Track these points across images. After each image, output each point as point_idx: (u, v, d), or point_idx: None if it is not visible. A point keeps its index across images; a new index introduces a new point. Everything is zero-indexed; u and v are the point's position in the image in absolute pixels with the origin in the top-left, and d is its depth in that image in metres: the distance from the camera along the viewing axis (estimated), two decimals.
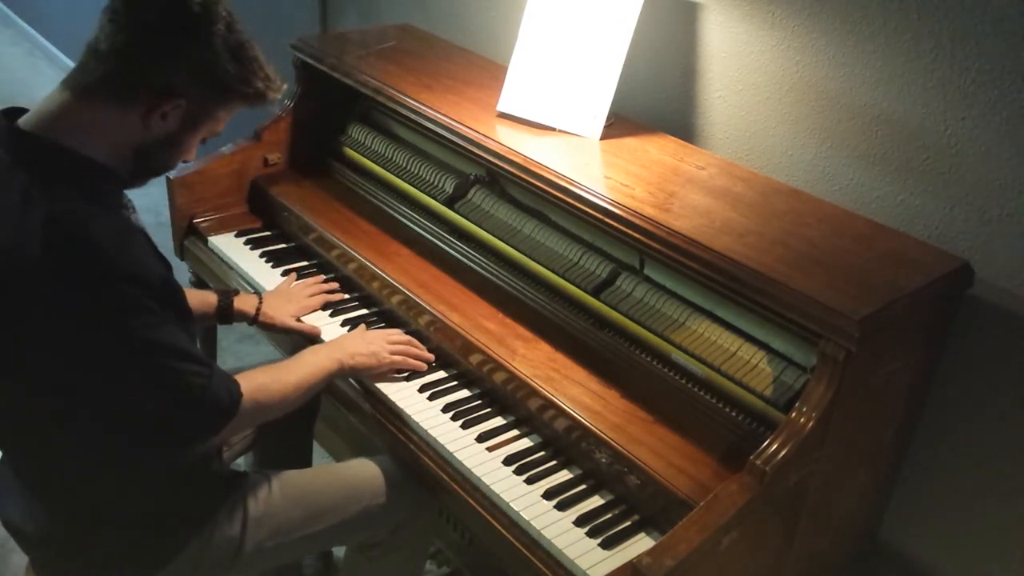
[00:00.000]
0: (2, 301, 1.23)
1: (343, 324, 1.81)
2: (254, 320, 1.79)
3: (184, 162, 1.41)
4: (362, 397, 1.66)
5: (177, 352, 1.30)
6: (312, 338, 1.77)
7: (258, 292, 1.87)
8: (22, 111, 1.30)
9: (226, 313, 1.78)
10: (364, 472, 1.63)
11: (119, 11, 1.24)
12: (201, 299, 1.77)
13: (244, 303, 1.79)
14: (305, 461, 2.05)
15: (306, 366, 1.55)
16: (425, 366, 1.68)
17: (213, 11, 1.26)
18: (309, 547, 1.67)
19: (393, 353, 1.66)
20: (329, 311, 1.84)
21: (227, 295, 1.79)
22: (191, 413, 1.35)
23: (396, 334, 1.72)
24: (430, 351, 1.74)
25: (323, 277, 1.94)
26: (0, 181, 1.24)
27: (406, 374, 1.67)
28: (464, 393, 1.65)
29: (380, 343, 1.66)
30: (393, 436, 1.59)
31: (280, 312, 1.79)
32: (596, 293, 1.63)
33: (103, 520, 1.41)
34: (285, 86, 1.40)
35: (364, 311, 1.85)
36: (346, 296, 1.89)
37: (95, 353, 1.25)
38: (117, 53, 1.23)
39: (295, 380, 1.52)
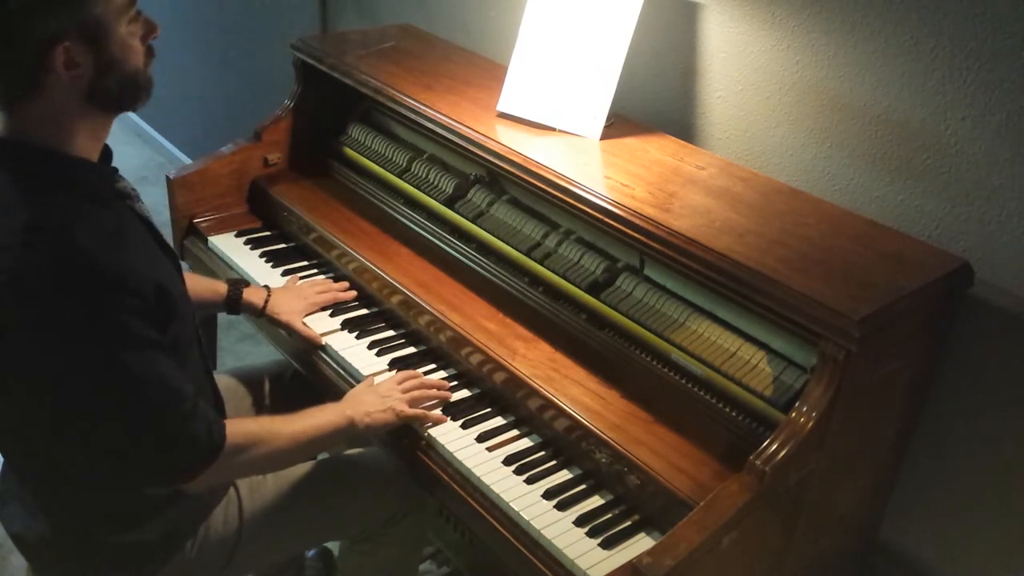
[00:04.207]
0: None
1: (343, 326, 1.80)
2: (261, 313, 1.78)
3: (151, 55, 1.30)
4: None
5: (156, 380, 1.24)
6: (313, 345, 1.75)
7: (267, 287, 1.86)
8: None
9: (234, 303, 1.78)
10: (355, 466, 1.63)
11: None
12: (211, 287, 1.77)
13: (253, 295, 1.79)
14: None
15: (308, 419, 1.47)
16: (447, 418, 1.56)
17: None
18: (303, 543, 1.68)
19: (409, 403, 1.55)
20: (329, 311, 1.84)
21: (237, 285, 1.79)
22: (164, 450, 1.28)
23: (408, 379, 1.60)
24: (430, 350, 1.74)
25: (321, 278, 1.94)
26: None
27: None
28: (464, 393, 1.65)
29: (395, 395, 1.55)
30: (393, 436, 1.60)
31: (287, 309, 1.78)
32: (596, 293, 1.63)
33: (101, 526, 1.41)
34: None
35: (364, 311, 1.85)
36: (355, 294, 1.88)
37: (71, 369, 1.20)
38: None
39: (290, 432, 1.42)
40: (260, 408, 1.84)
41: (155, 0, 4.11)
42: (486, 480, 1.45)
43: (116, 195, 1.32)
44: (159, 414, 1.25)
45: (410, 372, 1.64)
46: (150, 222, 1.36)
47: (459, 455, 1.50)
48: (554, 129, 1.81)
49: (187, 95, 3.99)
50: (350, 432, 1.51)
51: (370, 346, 1.75)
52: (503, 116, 1.84)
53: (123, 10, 1.23)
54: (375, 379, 1.64)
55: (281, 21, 3.14)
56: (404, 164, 2.02)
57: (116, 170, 1.33)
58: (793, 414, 1.28)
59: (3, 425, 1.35)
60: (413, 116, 1.88)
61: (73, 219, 1.19)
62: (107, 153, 1.33)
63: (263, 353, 3.01)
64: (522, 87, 1.83)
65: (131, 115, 4.43)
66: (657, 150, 1.74)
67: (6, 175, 1.21)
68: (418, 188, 1.96)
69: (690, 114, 1.85)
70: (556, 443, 1.53)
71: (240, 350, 3.10)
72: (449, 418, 1.57)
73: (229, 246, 2.04)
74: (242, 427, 1.37)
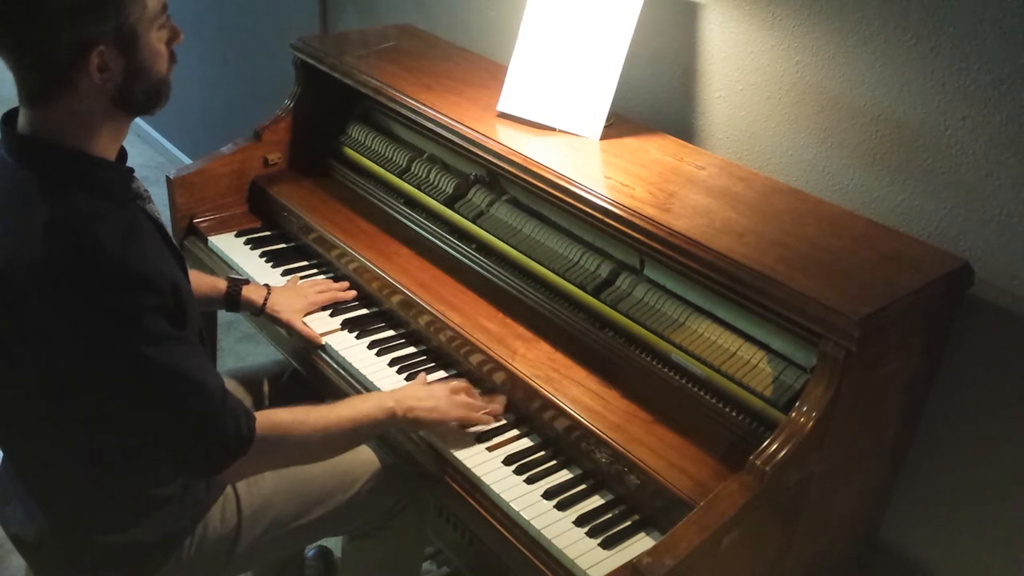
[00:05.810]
0: (3, 308, 1.21)
1: (343, 325, 1.80)
2: (261, 311, 1.78)
3: (173, 60, 1.34)
4: None
5: (178, 374, 1.24)
6: (313, 344, 1.75)
7: (267, 285, 1.86)
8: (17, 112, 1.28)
9: (234, 300, 1.78)
10: (354, 459, 1.62)
11: None
12: (210, 283, 1.78)
13: (253, 292, 1.80)
14: None
15: (345, 410, 1.45)
16: (492, 422, 1.56)
17: None
18: (303, 538, 1.67)
19: (457, 407, 1.53)
20: (329, 310, 1.84)
21: (237, 283, 1.80)
22: (191, 443, 1.29)
23: (461, 387, 1.58)
24: (430, 350, 1.74)
25: (321, 278, 1.93)
26: (3, 187, 1.23)
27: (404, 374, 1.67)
28: None
29: (444, 396, 1.53)
30: (392, 435, 1.59)
31: (287, 307, 1.79)
32: (596, 293, 1.63)
33: (99, 526, 1.40)
34: None
35: (364, 311, 1.85)
36: (355, 294, 1.89)
37: (93, 365, 1.21)
38: (19, 62, 1.20)
39: (325, 424, 1.41)
40: (260, 409, 1.84)
41: None
42: (486, 480, 1.45)
43: (131, 195, 1.33)
44: (183, 408, 1.26)
45: (466, 384, 1.60)
46: (160, 223, 1.38)
47: (459, 455, 1.50)
48: (554, 129, 1.81)
49: (187, 95, 3.98)
50: (388, 424, 1.50)
51: (370, 346, 1.75)
52: (503, 116, 1.84)
53: (156, 17, 1.25)
54: (426, 378, 1.64)
55: (281, 21, 3.14)
56: (404, 164, 2.02)
57: (132, 170, 1.35)
58: (793, 414, 1.28)
59: (5, 422, 1.36)
60: (413, 116, 1.88)
61: (93, 217, 1.20)
62: (123, 154, 1.35)
63: (263, 353, 3.01)
64: (522, 87, 1.83)
65: None
66: (657, 150, 1.74)
67: (28, 171, 1.22)
68: (418, 188, 1.97)
69: (690, 114, 1.85)
70: (556, 443, 1.53)
71: (240, 350, 3.10)
72: None
73: (229, 246, 2.04)
74: (273, 418, 1.38)
